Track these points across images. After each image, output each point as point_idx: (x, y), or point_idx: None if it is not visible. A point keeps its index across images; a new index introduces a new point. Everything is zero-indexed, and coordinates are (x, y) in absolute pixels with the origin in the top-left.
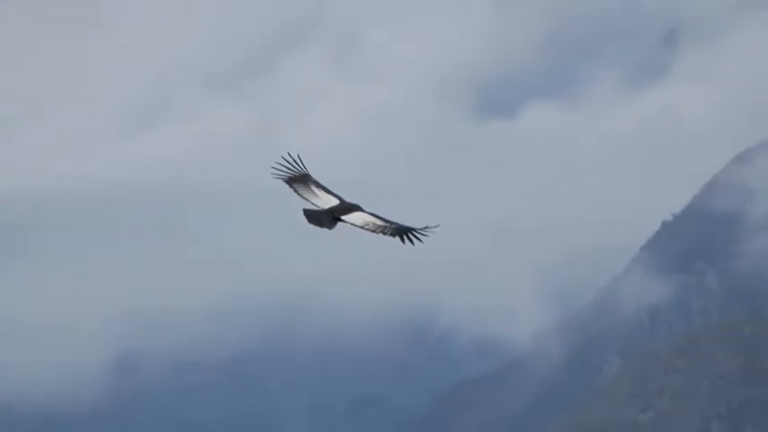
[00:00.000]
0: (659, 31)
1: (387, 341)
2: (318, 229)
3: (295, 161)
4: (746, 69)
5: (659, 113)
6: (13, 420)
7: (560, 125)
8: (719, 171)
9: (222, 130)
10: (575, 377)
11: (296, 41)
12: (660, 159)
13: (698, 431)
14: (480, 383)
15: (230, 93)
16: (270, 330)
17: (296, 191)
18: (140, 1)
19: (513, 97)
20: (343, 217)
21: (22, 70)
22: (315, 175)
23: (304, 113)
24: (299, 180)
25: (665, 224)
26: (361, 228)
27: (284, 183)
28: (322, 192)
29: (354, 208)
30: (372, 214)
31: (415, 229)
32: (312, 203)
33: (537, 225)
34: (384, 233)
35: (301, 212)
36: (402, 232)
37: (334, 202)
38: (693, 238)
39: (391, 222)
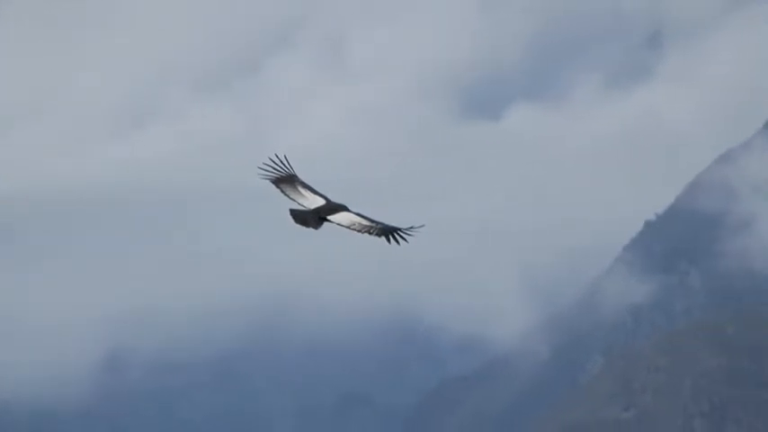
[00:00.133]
0: (643, 32)
1: (373, 340)
2: (305, 228)
3: (282, 162)
4: (730, 71)
5: (643, 114)
6: (1, 420)
7: (545, 126)
8: (702, 171)
9: (210, 130)
10: (558, 376)
11: (283, 42)
12: (643, 159)
13: (681, 429)
14: (465, 382)
15: (218, 93)
16: (258, 329)
17: (283, 191)
18: (131, 3)
19: (497, 98)
20: (329, 217)
21: (13, 71)
22: (301, 176)
23: (291, 114)
24: (286, 180)
25: (648, 224)
26: (348, 228)
27: (271, 183)
28: (308, 192)
29: (340, 208)
30: (358, 214)
31: (400, 229)
32: (299, 204)
33: (521, 225)
34: (370, 233)
35: (288, 213)
36: (388, 232)
37: (321, 202)
38: (676, 238)
39: (377, 222)
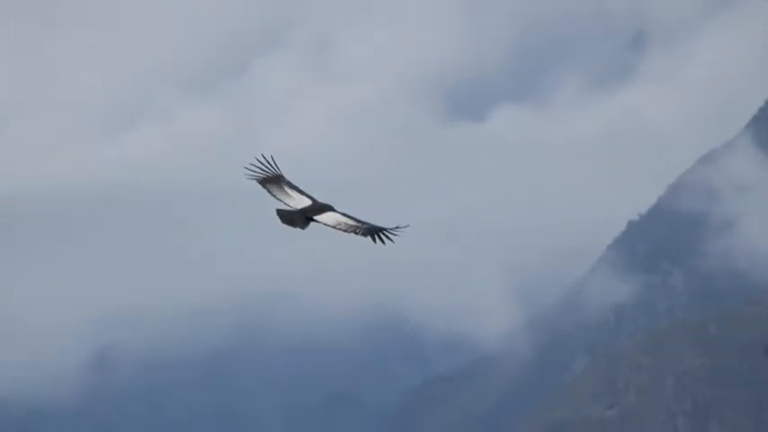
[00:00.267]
0: (627, 33)
1: (358, 339)
2: (291, 228)
3: (268, 162)
4: (712, 72)
5: (626, 115)
6: None
7: (529, 127)
8: (685, 172)
9: (197, 130)
10: (542, 375)
11: (270, 43)
12: (626, 160)
13: (663, 427)
14: (450, 381)
15: (205, 93)
16: (245, 329)
17: (269, 191)
18: (122, 4)
19: (482, 99)
20: (315, 217)
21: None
22: (288, 176)
23: (278, 114)
24: (272, 181)
25: (631, 224)
26: (334, 228)
27: (258, 183)
28: (295, 192)
29: (327, 208)
30: (344, 214)
31: (385, 229)
32: (285, 204)
33: (505, 225)
34: (356, 233)
35: (275, 213)
36: (373, 232)
37: (307, 202)
38: (659, 238)
39: (363, 222)
